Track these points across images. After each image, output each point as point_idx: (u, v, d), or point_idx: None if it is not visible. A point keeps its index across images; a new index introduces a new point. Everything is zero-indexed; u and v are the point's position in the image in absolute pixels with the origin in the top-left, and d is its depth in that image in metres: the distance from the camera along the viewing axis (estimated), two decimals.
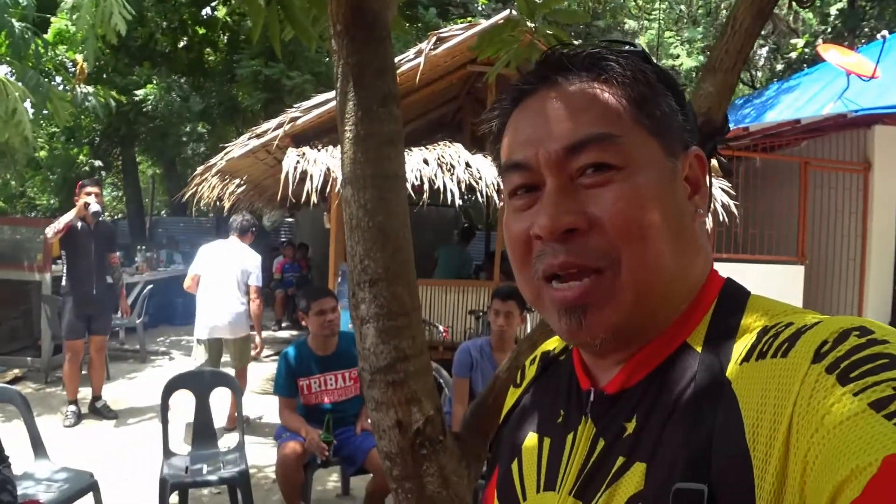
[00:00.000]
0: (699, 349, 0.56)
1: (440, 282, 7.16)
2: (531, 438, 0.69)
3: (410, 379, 1.34)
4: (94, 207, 5.23)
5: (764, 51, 17.13)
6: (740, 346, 0.53)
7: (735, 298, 0.59)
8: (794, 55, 15.19)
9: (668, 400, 0.55)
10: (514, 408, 0.77)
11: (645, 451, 0.54)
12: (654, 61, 0.62)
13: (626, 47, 0.63)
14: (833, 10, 13.56)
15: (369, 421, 1.50)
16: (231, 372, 4.98)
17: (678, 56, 14.19)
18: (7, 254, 7.17)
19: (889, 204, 7.62)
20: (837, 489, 0.40)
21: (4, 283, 7.20)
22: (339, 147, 1.42)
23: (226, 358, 5.25)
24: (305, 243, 12.10)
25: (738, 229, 7.20)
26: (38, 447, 3.30)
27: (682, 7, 16.17)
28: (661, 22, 15.26)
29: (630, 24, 15.20)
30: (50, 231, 5.24)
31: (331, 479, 4.29)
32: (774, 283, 7.38)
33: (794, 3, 1.31)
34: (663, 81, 0.61)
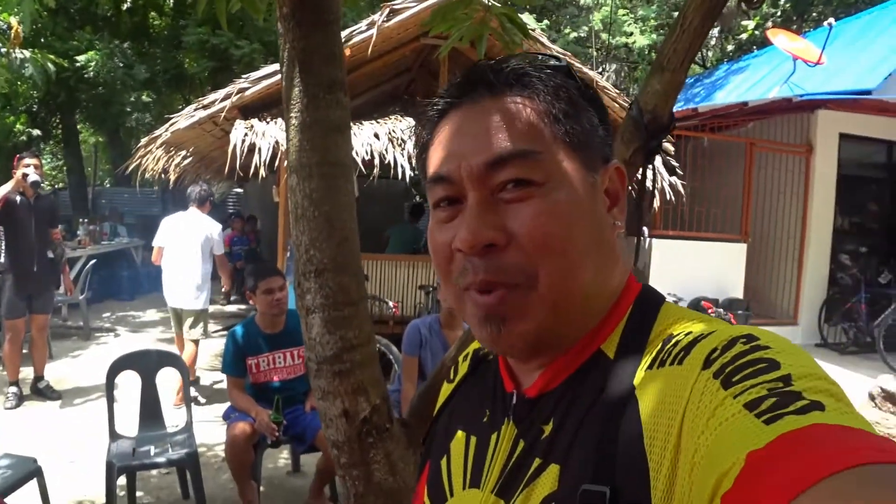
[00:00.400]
0: (612, 356, 0.58)
1: (390, 256, 7.14)
2: (459, 436, 0.71)
3: (357, 369, 1.34)
4: (33, 177, 4.97)
5: (715, 31, 17.40)
6: (648, 354, 0.56)
7: (648, 307, 0.61)
8: (744, 37, 15.48)
9: (582, 404, 0.57)
10: (447, 404, 0.79)
11: (559, 454, 0.57)
12: (577, 76, 0.63)
13: (551, 62, 0.64)
14: None
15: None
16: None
17: (631, 34, 14.29)
18: None
19: (829, 185, 7.91)
20: (716, 485, 0.42)
21: None
22: None
23: None
24: (254, 216, 11.88)
25: (684, 207, 7.37)
26: None
27: None
28: (616, 0, 15.33)
29: (584, 0, 15.22)
30: None
31: (281, 457, 4.29)
32: (718, 259, 7.62)
33: (743, 4, 1.30)
34: (586, 97, 0.63)
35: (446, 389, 0.81)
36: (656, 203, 6.59)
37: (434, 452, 0.75)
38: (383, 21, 5.93)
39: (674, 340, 0.54)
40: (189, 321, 5.36)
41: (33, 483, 3.06)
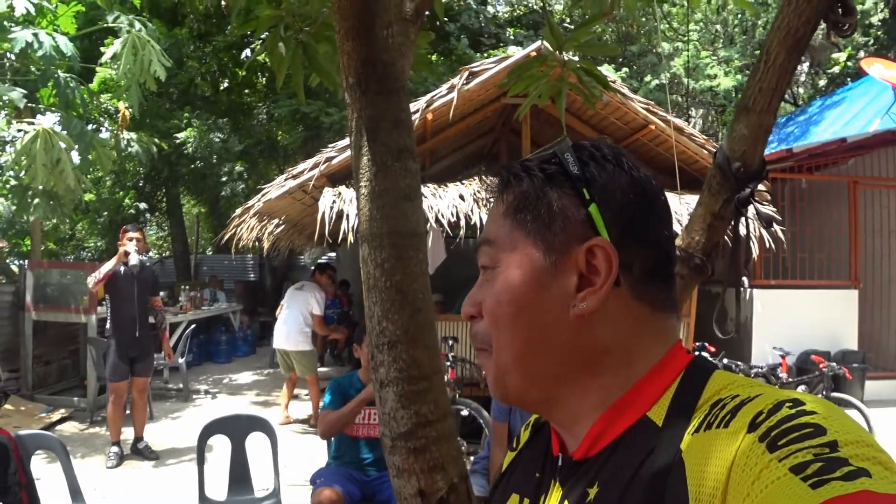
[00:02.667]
0: (660, 423, 0.60)
1: None
2: (513, 499, 0.75)
3: (433, 445, 1.27)
4: (133, 260, 5.33)
5: (805, 66, 16.77)
6: (696, 419, 0.58)
7: (698, 375, 0.63)
8: (836, 70, 14.82)
9: (627, 469, 0.59)
10: (507, 471, 0.83)
11: None
12: (565, 163, 0.67)
13: (544, 153, 0.69)
14: (875, 21, 13.21)
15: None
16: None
17: (715, 76, 13.94)
18: (55, 297, 7.36)
19: None
20: None
21: (53, 325, 7.40)
22: None
23: None
24: (346, 280, 12.15)
25: (785, 254, 6.96)
26: (76, 494, 3.30)
27: (718, 27, 15.97)
28: (697, 43, 15.07)
29: (665, 46, 15.05)
30: (91, 280, 5.37)
31: None
32: (826, 308, 7.10)
33: (831, 34, 1.20)
34: (558, 183, 0.66)
35: (509, 457, 0.85)
36: (755, 252, 6.24)
37: None
38: (463, 84, 6.03)
39: (721, 404, 0.56)
40: (296, 361, 6.45)
41: None
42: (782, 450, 0.47)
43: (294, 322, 6.51)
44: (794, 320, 6.80)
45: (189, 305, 9.62)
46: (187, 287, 10.47)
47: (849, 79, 13.70)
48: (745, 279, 6.73)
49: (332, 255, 15.99)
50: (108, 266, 5.33)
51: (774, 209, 6.40)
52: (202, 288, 11.47)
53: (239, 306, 11.61)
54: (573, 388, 0.66)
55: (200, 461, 3.59)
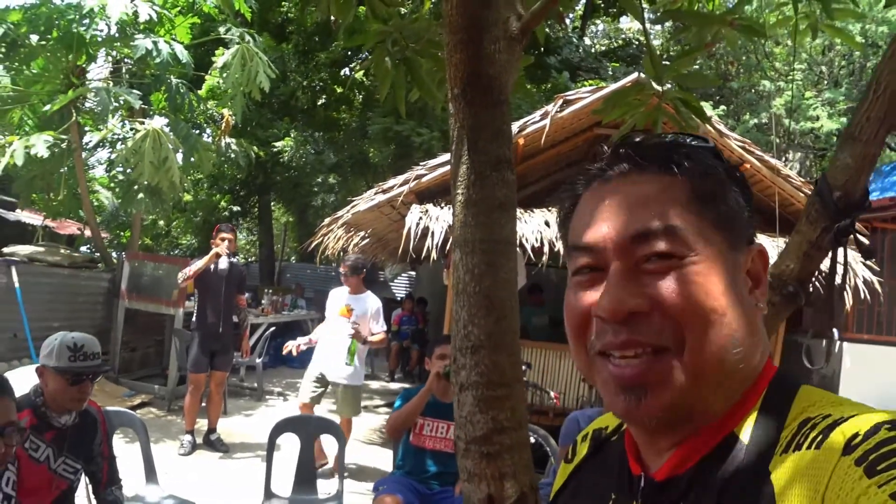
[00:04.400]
0: (746, 441, 0.57)
1: (555, 346, 6.99)
2: None
3: (506, 452, 1.28)
4: (223, 264, 5.66)
5: None
6: (784, 438, 0.55)
7: (785, 390, 0.60)
8: None
9: (713, 489, 0.56)
10: (566, 485, 0.78)
11: None
12: (723, 158, 0.65)
13: (696, 142, 0.66)
14: None
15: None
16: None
17: (818, 118, 13.39)
18: (148, 287, 7.77)
19: None
20: None
21: (143, 314, 7.81)
22: None
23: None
24: (424, 298, 12.29)
25: (881, 308, 6.58)
26: (151, 473, 3.47)
27: (823, 68, 15.37)
28: (800, 83, 14.55)
29: (765, 84, 14.61)
30: (181, 276, 5.68)
31: None
32: None
33: None
34: (732, 178, 0.64)
35: (564, 470, 0.80)
36: (848, 302, 5.93)
37: None
38: (557, 111, 6.06)
39: (811, 423, 0.53)
40: (339, 395, 5.31)
41: None
42: (882, 475, 0.44)
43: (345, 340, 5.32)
44: (886, 378, 6.39)
45: (270, 309, 9.96)
46: (270, 291, 10.85)
47: None
48: (835, 330, 6.39)
49: (412, 272, 16.23)
50: (198, 264, 5.61)
51: (873, 258, 6.07)
52: (285, 293, 11.84)
53: (318, 314, 11.93)
54: (724, 397, 0.61)
55: (269, 457, 3.70)
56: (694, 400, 0.58)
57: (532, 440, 4.78)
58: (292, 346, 5.56)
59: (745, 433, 0.58)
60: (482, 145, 1.33)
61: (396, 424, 3.50)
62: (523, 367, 4.95)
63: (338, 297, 5.53)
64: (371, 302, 5.52)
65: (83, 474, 2.69)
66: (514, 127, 6.08)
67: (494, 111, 1.34)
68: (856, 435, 0.49)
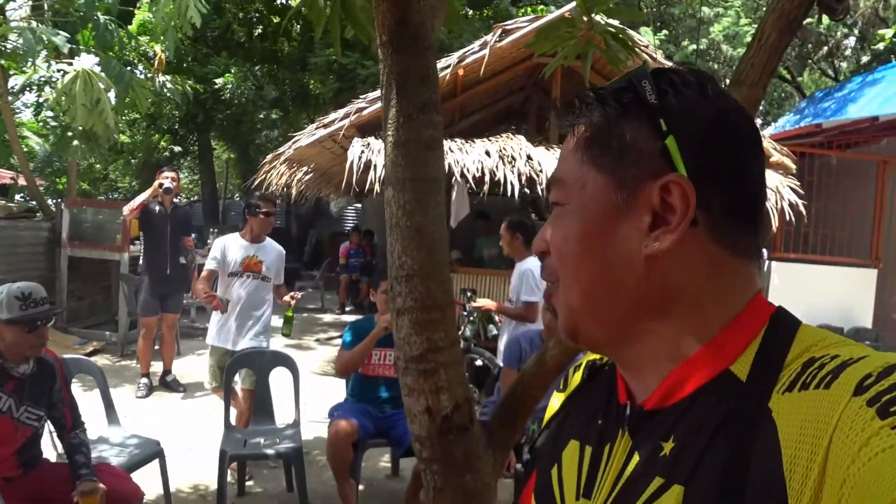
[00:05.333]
0: (743, 378, 0.57)
1: (496, 272, 7.22)
2: (572, 446, 0.72)
3: (441, 369, 1.43)
4: (167, 184, 5.55)
5: (851, 41, 16.32)
6: (785, 377, 0.54)
7: (784, 329, 0.59)
8: (881, 46, 14.42)
9: (708, 425, 0.56)
10: (558, 413, 0.80)
11: (683, 474, 0.55)
12: (647, 89, 0.61)
13: (615, 83, 0.64)
14: None
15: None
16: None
17: None
18: (90, 234, 7.63)
19: None
20: None
21: (88, 261, 7.69)
22: None
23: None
24: (371, 230, 12.37)
25: (807, 229, 6.97)
26: (112, 415, 3.57)
27: None
28: (739, 9, 14.74)
29: (706, 11, 14.76)
30: (126, 209, 5.63)
31: (382, 460, 4.45)
32: (844, 285, 7.13)
33: (825, 17, 1.29)
34: (645, 109, 0.61)
35: (557, 398, 0.83)
36: (774, 224, 6.28)
37: (542, 462, 0.77)
38: (496, 41, 6.07)
39: (818, 363, 0.52)
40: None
41: (156, 463, 3.39)
42: (895, 417, 0.44)
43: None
44: (811, 295, 6.84)
45: None
46: (216, 230, 10.74)
47: (893, 56, 13.33)
48: (764, 251, 6.77)
49: (359, 205, 16.21)
50: (142, 196, 5.57)
51: (799, 184, 6.41)
52: (231, 232, 11.74)
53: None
54: (643, 333, 0.63)
55: (227, 392, 3.84)
56: (576, 326, 0.65)
57: (479, 363, 5.05)
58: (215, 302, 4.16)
59: (742, 370, 0.57)
60: (410, 90, 1.42)
61: (347, 367, 3.63)
62: (468, 294, 5.15)
63: (235, 247, 4.40)
64: (278, 248, 4.57)
65: (47, 421, 2.77)
66: (454, 58, 6.09)
67: (420, 58, 1.43)
68: (868, 376, 0.47)
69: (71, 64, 6.56)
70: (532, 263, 4.39)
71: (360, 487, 3.69)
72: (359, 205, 16.29)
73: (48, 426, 2.85)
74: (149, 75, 8.48)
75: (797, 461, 0.48)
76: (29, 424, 2.65)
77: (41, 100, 8.97)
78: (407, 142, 1.41)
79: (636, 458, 0.61)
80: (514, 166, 5.80)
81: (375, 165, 5.62)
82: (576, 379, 0.81)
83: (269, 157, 7.37)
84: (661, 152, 0.60)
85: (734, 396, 0.56)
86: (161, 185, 5.53)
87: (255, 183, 7.45)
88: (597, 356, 0.80)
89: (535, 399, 1.65)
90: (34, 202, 8.57)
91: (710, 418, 0.56)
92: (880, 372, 0.47)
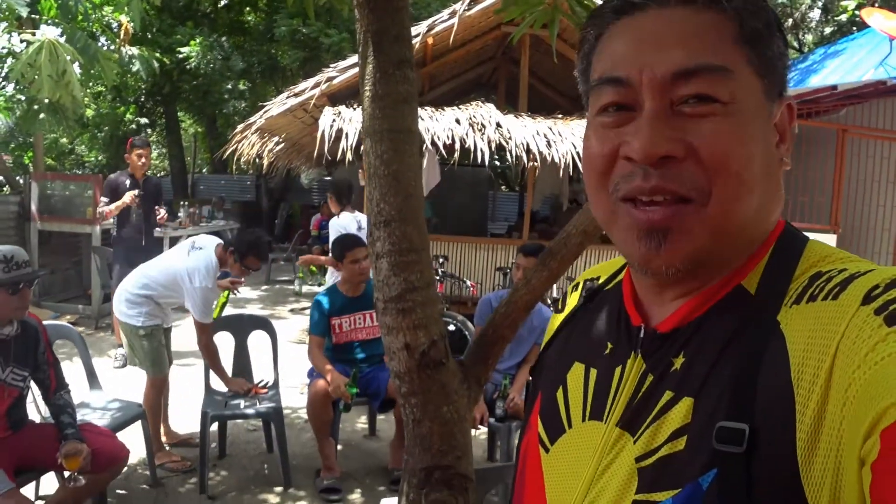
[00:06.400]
0: (752, 291, 0.57)
1: (470, 239, 7.34)
2: (577, 368, 0.69)
3: (418, 307, 1.54)
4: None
5: (815, 13, 16.60)
6: (793, 290, 0.54)
7: (792, 244, 0.59)
8: (844, 18, 14.71)
9: (718, 339, 0.56)
10: (557, 334, 0.78)
11: (693, 387, 0.55)
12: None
13: None
14: None
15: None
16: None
17: None
18: (60, 207, 7.57)
19: None
20: (875, 420, 0.42)
21: (57, 235, 7.62)
22: None
23: None
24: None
25: (788, 197, 7.19)
26: (94, 380, 3.63)
27: None
28: None
29: None
30: (99, 214, 5.77)
31: (359, 422, 4.58)
32: None
33: None
34: (777, 22, 0.59)
35: (556, 320, 0.81)
36: None
37: (546, 384, 0.74)
38: (465, 10, 6.12)
39: (826, 276, 0.53)
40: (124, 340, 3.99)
41: (138, 425, 3.47)
42: None
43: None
44: None
45: (188, 221, 9.85)
46: (186, 203, 10.68)
47: (855, 28, 13.62)
48: None
49: (328, 178, 16.16)
50: (114, 206, 5.59)
51: None
52: (201, 205, 11.69)
53: (235, 225, 11.86)
54: (740, 250, 0.60)
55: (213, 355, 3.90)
56: (711, 252, 0.57)
57: (452, 327, 5.18)
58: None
59: (751, 284, 0.57)
60: (386, 47, 1.51)
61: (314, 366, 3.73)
62: (440, 260, 5.29)
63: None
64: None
65: (32, 382, 2.83)
66: (423, 26, 6.13)
67: (395, 16, 1.52)
68: (876, 286, 0.48)
69: (34, 34, 6.45)
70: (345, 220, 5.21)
71: (339, 447, 3.81)
72: (329, 178, 16.25)
73: (33, 389, 2.91)
74: (113, 47, 8.34)
75: (805, 368, 0.48)
76: (15, 385, 2.71)
77: (4, 71, 8.77)
78: (384, 96, 1.51)
79: (650, 378, 0.60)
80: (483, 133, 5.89)
81: (346, 134, 5.66)
82: (573, 299, 0.80)
83: (239, 126, 7.35)
84: (784, 71, 0.60)
85: (744, 310, 0.56)
86: (133, 198, 5.57)
87: (226, 154, 7.43)
88: (593, 275, 0.79)
89: (506, 339, 1.78)
90: (1, 177, 8.42)
91: (721, 332, 0.56)
92: (888, 283, 0.48)
